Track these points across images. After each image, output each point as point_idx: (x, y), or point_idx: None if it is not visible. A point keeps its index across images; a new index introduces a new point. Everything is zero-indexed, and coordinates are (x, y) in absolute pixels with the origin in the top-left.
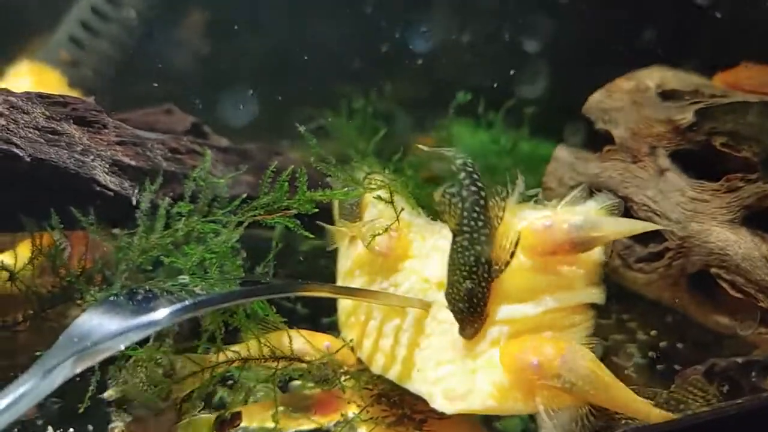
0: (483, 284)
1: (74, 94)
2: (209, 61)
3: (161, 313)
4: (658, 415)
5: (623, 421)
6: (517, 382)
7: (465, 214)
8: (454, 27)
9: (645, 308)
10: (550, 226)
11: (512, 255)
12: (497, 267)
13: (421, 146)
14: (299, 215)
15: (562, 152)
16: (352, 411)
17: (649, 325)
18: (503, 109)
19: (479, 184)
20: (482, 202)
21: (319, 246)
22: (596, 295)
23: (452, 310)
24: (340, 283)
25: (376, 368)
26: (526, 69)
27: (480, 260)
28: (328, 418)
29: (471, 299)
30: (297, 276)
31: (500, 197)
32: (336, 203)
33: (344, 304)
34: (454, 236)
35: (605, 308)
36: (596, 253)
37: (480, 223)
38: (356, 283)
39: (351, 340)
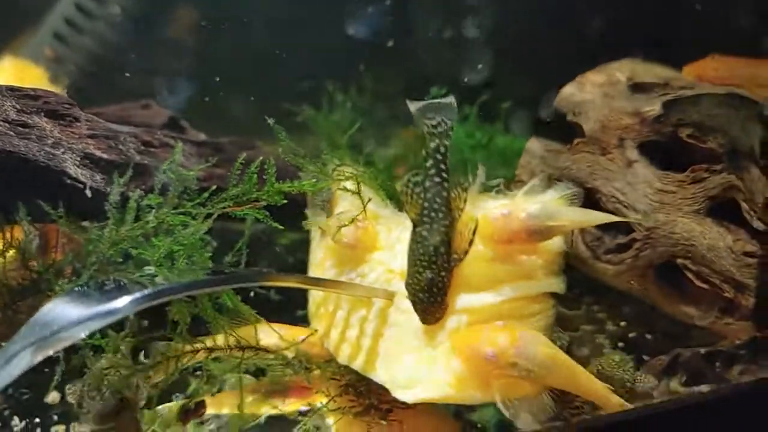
0: (443, 273)
1: (57, 90)
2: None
3: (122, 301)
4: (616, 400)
5: (581, 407)
6: (474, 372)
7: (426, 204)
8: (433, 21)
9: (614, 299)
10: (507, 215)
11: (471, 243)
12: (456, 256)
13: (410, 102)
14: (276, 207)
15: (533, 145)
16: (320, 401)
17: (618, 315)
18: (477, 104)
19: (444, 175)
20: (444, 193)
21: (296, 239)
22: (556, 284)
23: (412, 300)
24: (311, 274)
25: (342, 358)
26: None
27: (439, 250)
28: (297, 406)
29: (431, 289)
30: (275, 269)
31: (462, 188)
32: (309, 196)
33: (315, 295)
34: (415, 226)
35: (575, 299)
36: (556, 243)
37: (441, 214)
38: (326, 275)
39: (315, 330)
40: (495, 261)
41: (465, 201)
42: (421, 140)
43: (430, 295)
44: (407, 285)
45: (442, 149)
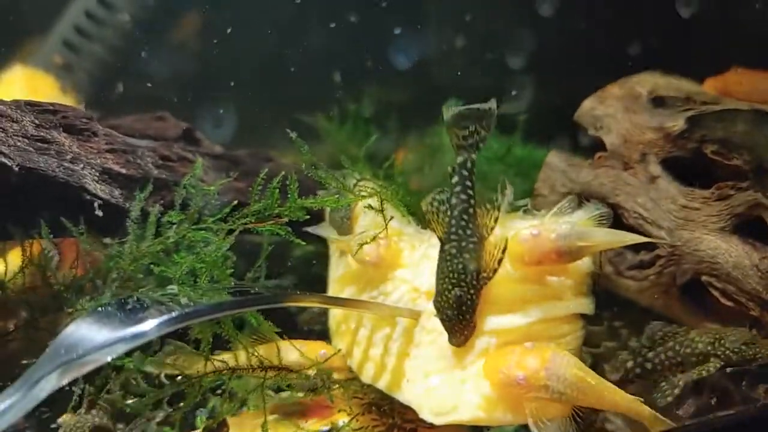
0: (471, 292)
1: (67, 99)
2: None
3: (149, 325)
4: (649, 413)
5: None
6: (505, 395)
7: (453, 222)
8: (448, 33)
9: (637, 315)
10: (537, 236)
11: (500, 262)
12: (485, 275)
13: (446, 109)
14: (290, 221)
15: (554, 159)
16: (342, 419)
17: (641, 332)
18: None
19: (470, 192)
20: (471, 210)
21: (313, 252)
22: (585, 305)
23: (441, 318)
24: (330, 291)
25: (366, 377)
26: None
27: (468, 268)
28: (319, 426)
29: (460, 307)
30: (291, 282)
31: (491, 206)
32: (328, 211)
33: (335, 312)
34: (442, 244)
35: (597, 315)
36: (585, 264)
37: (468, 231)
38: (346, 292)
39: (339, 350)
40: (524, 282)
41: (495, 219)
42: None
43: (459, 313)
44: (435, 302)
45: (470, 164)
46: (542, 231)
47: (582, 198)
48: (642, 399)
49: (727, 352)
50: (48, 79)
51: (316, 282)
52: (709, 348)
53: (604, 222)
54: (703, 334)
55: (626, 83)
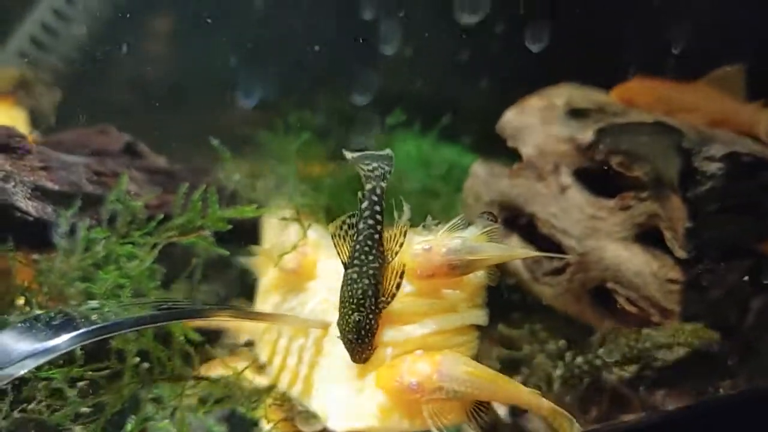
0: (370, 316)
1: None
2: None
3: (61, 339)
4: (547, 404)
5: None
6: (400, 403)
7: (357, 247)
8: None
9: (557, 320)
10: (428, 250)
11: (398, 287)
12: (383, 299)
13: (347, 152)
14: (239, 229)
15: (478, 168)
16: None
17: (558, 336)
18: (440, 123)
19: (378, 217)
20: (377, 236)
21: None
22: (479, 316)
23: (343, 340)
24: (259, 300)
25: (282, 385)
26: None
27: (367, 293)
28: None
29: (359, 331)
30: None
31: (398, 230)
32: (266, 221)
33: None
34: (345, 269)
35: (519, 319)
36: (478, 277)
37: (371, 257)
38: (272, 301)
39: (255, 360)
40: (418, 295)
41: (400, 245)
42: None
43: (358, 337)
44: (338, 325)
45: (378, 191)
46: (433, 246)
47: (500, 208)
48: (539, 392)
49: (689, 339)
50: None
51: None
52: (671, 339)
53: (495, 236)
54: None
55: (545, 95)
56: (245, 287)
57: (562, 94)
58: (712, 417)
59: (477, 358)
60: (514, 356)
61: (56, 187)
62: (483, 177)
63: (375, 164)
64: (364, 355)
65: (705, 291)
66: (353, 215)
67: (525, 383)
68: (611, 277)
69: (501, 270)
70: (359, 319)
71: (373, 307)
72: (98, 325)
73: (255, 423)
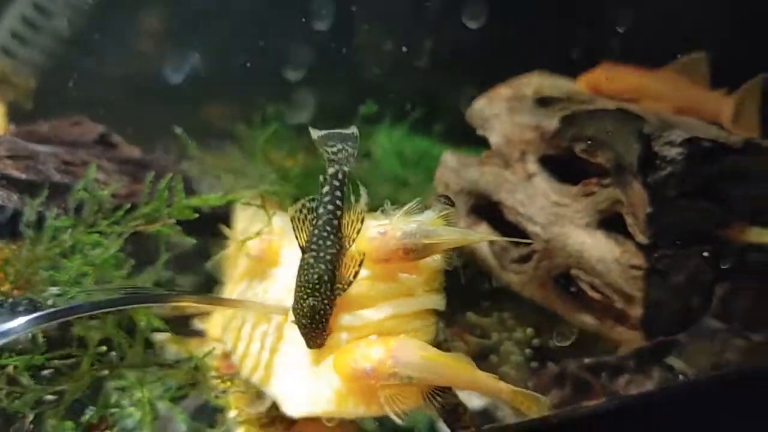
0: (326, 302)
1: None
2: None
3: (16, 322)
4: (505, 387)
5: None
6: (355, 388)
7: (316, 231)
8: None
9: (525, 307)
10: (384, 234)
11: (355, 275)
12: (340, 286)
13: (312, 130)
14: (210, 219)
15: (448, 157)
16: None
17: (526, 323)
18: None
19: (338, 203)
20: (335, 221)
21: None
22: (436, 301)
23: (297, 325)
24: (227, 286)
25: (245, 372)
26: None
27: (323, 278)
28: None
29: (313, 316)
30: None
31: (356, 216)
32: (236, 209)
33: (225, 309)
34: (303, 252)
35: (488, 307)
36: (435, 261)
37: (329, 242)
38: (238, 288)
39: (213, 349)
40: (374, 279)
41: (357, 231)
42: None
43: (312, 322)
44: (293, 310)
45: (341, 175)
46: (389, 230)
47: (469, 196)
48: (496, 376)
49: None
50: None
51: None
52: None
53: (452, 221)
54: None
55: (514, 84)
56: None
57: (531, 83)
58: (674, 403)
59: (438, 344)
60: (484, 344)
61: (23, 176)
62: (453, 166)
63: (339, 146)
64: (318, 341)
65: (667, 277)
66: (313, 199)
67: (492, 370)
68: (575, 264)
69: (464, 256)
70: (314, 304)
71: (328, 293)
72: (55, 309)
73: (220, 410)
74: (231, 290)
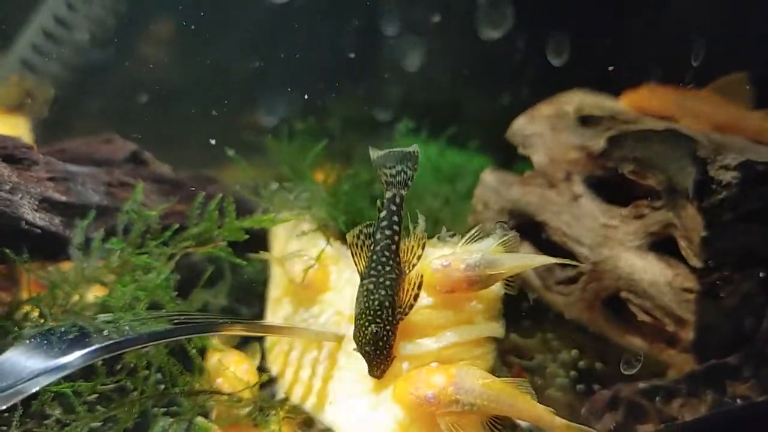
0: (388, 328)
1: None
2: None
3: (72, 356)
4: (561, 422)
5: None
6: (417, 416)
7: (374, 257)
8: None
9: (569, 328)
10: (448, 266)
11: (415, 298)
12: (401, 311)
13: (372, 150)
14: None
15: (488, 176)
16: None
17: (571, 345)
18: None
19: (396, 228)
20: (394, 246)
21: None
22: (496, 329)
23: (360, 353)
24: (268, 310)
25: (295, 398)
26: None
27: (384, 304)
28: None
29: (377, 342)
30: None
31: (416, 239)
32: (275, 230)
33: None
34: (362, 279)
35: (531, 327)
36: (495, 288)
37: (387, 267)
38: (282, 312)
39: (268, 375)
40: (437, 308)
41: (418, 258)
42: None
43: (376, 348)
44: (354, 337)
45: (398, 200)
46: (452, 261)
47: (511, 216)
48: (554, 410)
49: None
50: None
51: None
52: None
53: (512, 245)
54: None
55: (555, 101)
56: (253, 296)
57: (572, 101)
58: (728, 427)
59: (493, 370)
60: (527, 366)
61: (63, 198)
62: (492, 185)
63: (399, 167)
64: (382, 367)
65: (720, 300)
66: (370, 224)
67: (537, 393)
68: (625, 286)
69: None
70: (376, 330)
71: (390, 319)
72: (112, 341)
73: None
74: (272, 312)
